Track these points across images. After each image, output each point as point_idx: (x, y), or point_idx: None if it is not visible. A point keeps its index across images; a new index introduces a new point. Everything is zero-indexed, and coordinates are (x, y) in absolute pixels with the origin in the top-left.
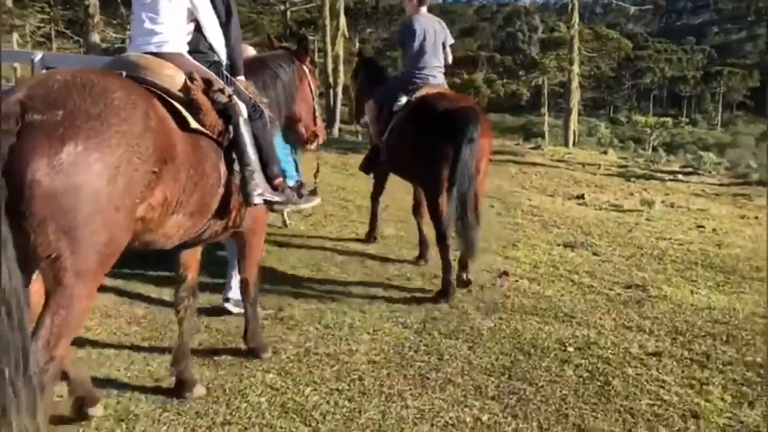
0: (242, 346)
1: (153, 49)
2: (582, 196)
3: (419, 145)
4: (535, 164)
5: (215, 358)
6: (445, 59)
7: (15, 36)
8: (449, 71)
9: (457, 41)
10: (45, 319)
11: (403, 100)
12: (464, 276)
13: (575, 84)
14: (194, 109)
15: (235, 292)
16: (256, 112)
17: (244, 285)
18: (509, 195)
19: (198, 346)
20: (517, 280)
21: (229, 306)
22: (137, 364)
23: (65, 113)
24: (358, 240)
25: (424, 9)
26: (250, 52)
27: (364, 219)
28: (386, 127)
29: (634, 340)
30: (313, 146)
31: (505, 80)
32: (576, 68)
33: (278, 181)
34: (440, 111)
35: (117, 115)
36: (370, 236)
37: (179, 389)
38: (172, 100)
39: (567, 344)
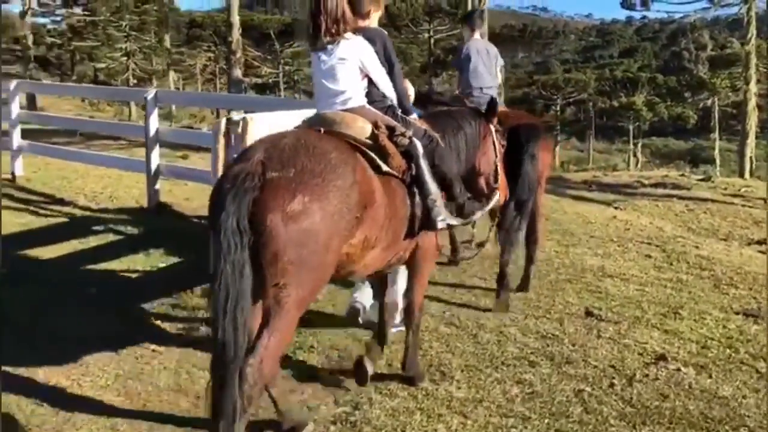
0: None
1: (340, 106)
2: (764, 242)
3: None
4: (704, 200)
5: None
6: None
7: (171, 74)
8: (606, 93)
9: (615, 62)
10: (263, 339)
11: None
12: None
13: (752, 104)
14: (383, 154)
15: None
16: (431, 141)
17: (409, 309)
18: (672, 241)
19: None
20: (678, 369)
21: (358, 305)
22: None
23: (296, 171)
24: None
25: (477, 35)
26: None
27: None
28: None
29: None
30: (490, 204)
31: (668, 102)
32: (753, 87)
33: (461, 199)
34: (505, 127)
35: (334, 172)
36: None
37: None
38: (366, 149)
39: None
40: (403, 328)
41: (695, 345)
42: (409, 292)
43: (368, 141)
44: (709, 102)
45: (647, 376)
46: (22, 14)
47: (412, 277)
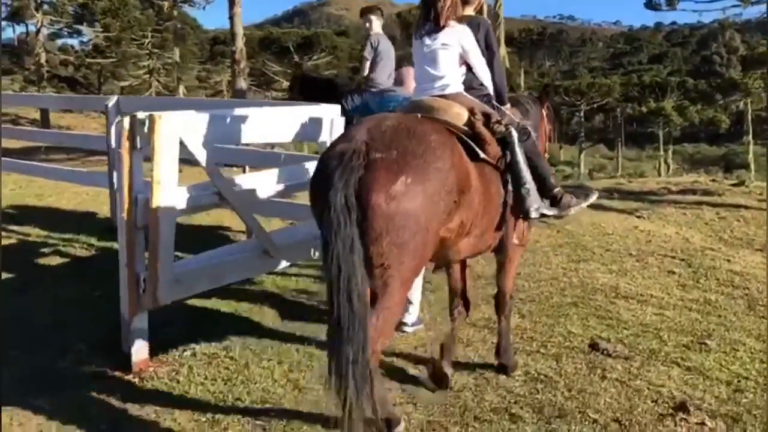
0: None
1: (438, 92)
2: None
3: None
4: (737, 206)
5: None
6: None
7: (181, 88)
8: (634, 98)
9: (643, 68)
10: (371, 318)
11: None
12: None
13: None
14: (480, 141)
15: (411, 317)
16: (524, 133)
17: (500, 298)
18: (699, 254)
19: None
20: (702, 423)
21: (407, 329)
22: None
23: (398, 153)
24: None
25: (379, 29)
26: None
27: None
28: None
29: None
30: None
31: (699, 106)
32: None
33: (556, 190)
34: None
35: (434, 154)
36: None
37: (434, 381)
38: (463, 135)
39: None
40: (421, 326)
41: (725, 387)
42: (499, 281)
43: (464, 127)
44: (741, 105)
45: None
46: (36, 32)
47: (502, 266)
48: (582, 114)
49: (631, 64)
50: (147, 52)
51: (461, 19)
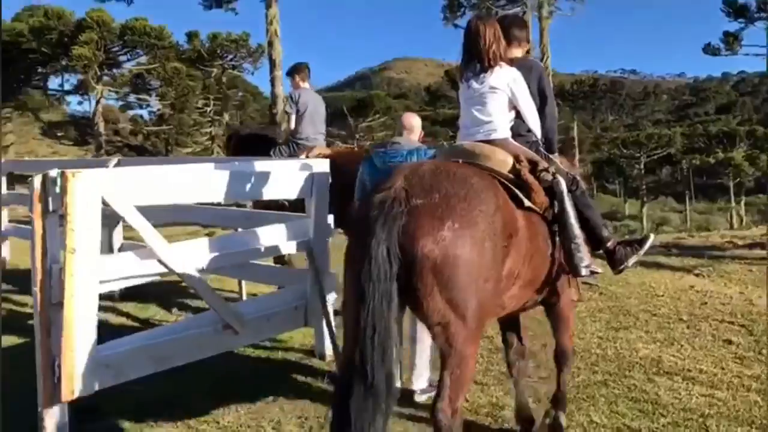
0: None
1: (482, 137)
2: None
3: None
4: None
5: None
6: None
7: None
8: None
9: (710, 119)
10: (445, 379)
11: None
12: None
13: None
14: (526, 189)
15: (421, 383)
16: (573, 184)
17: (560, 354)
18: (763, 320)
19: None
20: None
21: (417, 397)
22: None
23: (441, 196)
24: None
25: (306, 84)
26: (417, 120)
27: None
28: None
29: None
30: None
31: None
32: None
33: (610, 244)
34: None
35: (478, 197)
36: None
37: None
38: (507, 183)
39: None
40: (433, 392)
41: None
42: (557, 339)
43: (509, 175)
44: None
45: None
46: (96, 102)
47: (558, 325)
48: (642, 166)
49: (697, 115)
50: (209, 119)
51: (512, 62)
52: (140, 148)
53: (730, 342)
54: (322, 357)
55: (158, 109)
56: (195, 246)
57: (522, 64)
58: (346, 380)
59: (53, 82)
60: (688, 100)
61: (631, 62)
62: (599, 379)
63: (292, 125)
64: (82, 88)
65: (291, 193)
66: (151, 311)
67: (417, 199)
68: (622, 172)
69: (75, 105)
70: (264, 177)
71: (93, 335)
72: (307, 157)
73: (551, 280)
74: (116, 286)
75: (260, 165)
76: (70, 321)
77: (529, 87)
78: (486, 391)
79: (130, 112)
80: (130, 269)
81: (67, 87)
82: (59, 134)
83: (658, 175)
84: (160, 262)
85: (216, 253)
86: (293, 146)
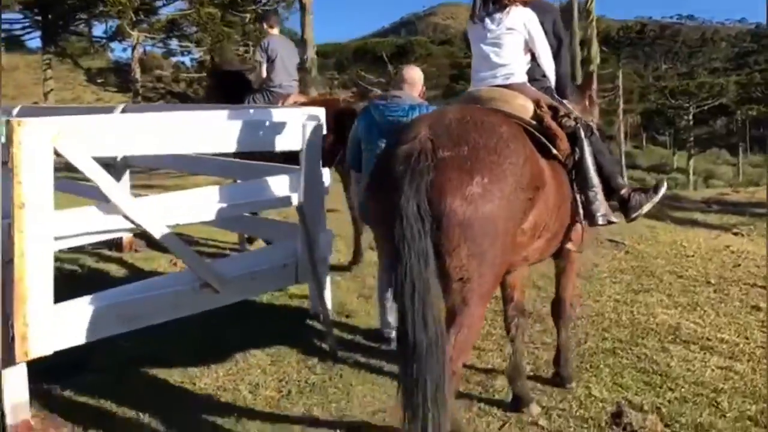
0: None
1: (501, 81)
2: None
3: None
4: None
5: None
6: None
7: None
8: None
9: None
10: (450, 337)
11: None
12: None
13: None
14: (550, 136)
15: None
16: (588, 130)
17: (559, 306)
18: None
19: None
20: None
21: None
22: None
23: (469, 149)
24: None
25: (275, 31)
26: (418, 73)
27: None
28: None
29: None
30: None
31: None
32: None
33: (624, 191)
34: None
35: (507, 148)
36: None
37: (516, 404)
38: (532, 130)
39: None
40: None
41: None
42: (559, 288)
43: (531, 122)
44: None
45: None
46: (133, 49)
47: (563, 274)
48: (691, 117)
49: (757, 63)
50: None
51: (526, 3)
52: (183, 95)
53: (758, 309)
54: (318, 317)
55: (200, 56)
56: (162, 200)
57: (537, 5)
58: (399, 345)
59: (98, 29)
60: (749, 48)
61: (688, 8)
62: (608, 347)
63: (263, 74)
64: (119, 35)
65: (276, 144)
66: (157, 263)
67: (444, 151)
68: (672, 123)
69: (120, 52)
70: (247, 127)
71: (49, 294)
72: (283, 105)
73: (570, 229)
74: (80, 242)
75: (240, 114)
76: (21, 279)
77: (543, 29)
78: (482, 357)
79: (173, 59)
80: (89, 225)
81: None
82: (99, 81)
83: (711, 126)
84: (126, 217)
85: (185, 208)
86: (267, 94)
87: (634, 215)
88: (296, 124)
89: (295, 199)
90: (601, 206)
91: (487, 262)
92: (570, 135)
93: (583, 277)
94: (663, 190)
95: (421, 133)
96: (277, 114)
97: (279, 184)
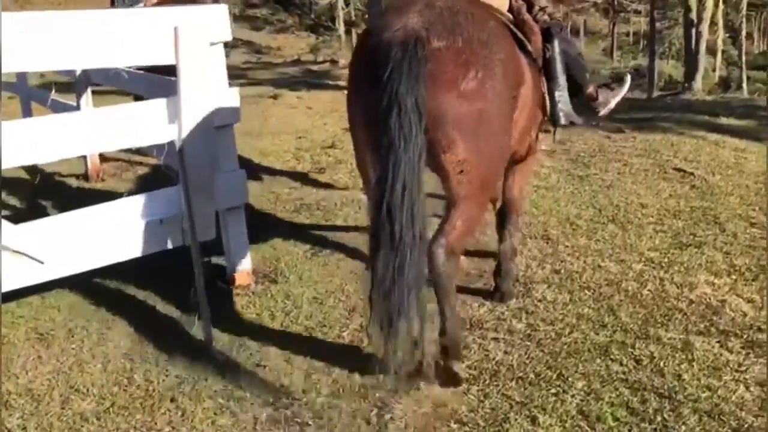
0: None
1: None
2: None
3: None
4: None
5: None
6: None
7: None
8: None
9: None
10: (454, 220)
11: None
12: None
13: None
14: (525, 31)
15: None
16: (557, 26)
17: (507, 208)
18: None
19: None
20: None
21: None
22: None
23: (463, 40)
24: None
25: None
26: None
27: None
28: None
29: None
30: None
31: None
32: None
33: (591, 89)
34: None
35: (498, 43)
36: None
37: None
38: (510, 25)
39: None
40: None
41: None
42: (507, 189)
43: (508, 14)
44: None
45: None
46: None
47: (516, 174)
48: None
49: None
50: None
51: None
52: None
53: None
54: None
55: None
56: None
57: None
58: (374, 242)
59: None
60: None
61: None
62: (601, 342)
63: None
64: None
65: (141, 58)
66: None
67: (439, 41)
68: None
69: None
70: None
71: None
72: (145, 6)
73: (537, 129)
74: None
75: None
76: None
77: None
78: None
79: None
80: None
81: None
82: None
83: None
84: None
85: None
86: None
87: (603, 111)
88: (164, 30)
89: (173, 134)
90: (565, 106)
91: (484, 156)
92: (543, 31)
93: (617, 223)
94: (628, 82)
95: (413, 20)
96: (138, 17)
97: (146, 116)
